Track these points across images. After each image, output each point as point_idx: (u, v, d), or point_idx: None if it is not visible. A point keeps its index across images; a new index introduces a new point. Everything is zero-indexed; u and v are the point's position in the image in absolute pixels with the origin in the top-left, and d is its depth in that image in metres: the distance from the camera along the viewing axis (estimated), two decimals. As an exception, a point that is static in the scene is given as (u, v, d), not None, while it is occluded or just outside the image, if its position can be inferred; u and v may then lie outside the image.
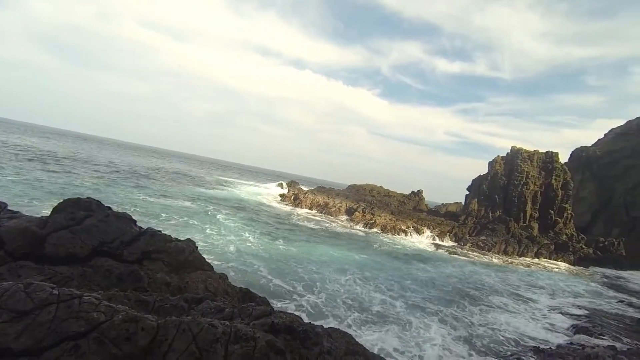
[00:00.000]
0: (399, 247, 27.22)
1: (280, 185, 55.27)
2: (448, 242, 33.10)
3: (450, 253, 28.40)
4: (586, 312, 16.35)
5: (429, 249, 28.90)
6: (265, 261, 15.27)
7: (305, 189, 46.73)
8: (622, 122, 57.99)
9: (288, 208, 36.68)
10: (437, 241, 32.48)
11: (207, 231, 18.66)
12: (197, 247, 8.44)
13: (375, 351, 8.21)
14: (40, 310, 2.83)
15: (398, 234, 31.86)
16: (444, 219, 41.03)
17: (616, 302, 19.68)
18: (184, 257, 7.73)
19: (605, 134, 58.35)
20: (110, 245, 6.86)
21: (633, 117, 56.59)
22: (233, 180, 69.67)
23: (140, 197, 25.04)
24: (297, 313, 7.79)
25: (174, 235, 8.09)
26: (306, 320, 5.77)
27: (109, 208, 7.77)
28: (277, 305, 10.13)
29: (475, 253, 30.49)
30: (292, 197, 40.31)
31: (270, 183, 68.14)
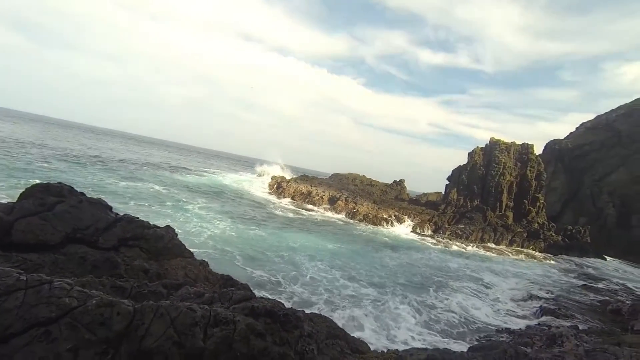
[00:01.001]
0: (379, 235, 27.74)
1: (265, 173, 54.68)
2: (428, 231, 34.03)
3: (428, 241, 29.26)
4: (552, 295, 17.36)
5: (408, 238, 29.59)
6: (242, 250, 15.23)
7: (288, 177, 46.50)
8: (592, 117, 60.80)
9: (270, 196, 36.51)
10: (418, 230, 33.32)
11: (181, 219, 18.37)
12: (176, 234, 8.29)
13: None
14: (7, 297, 2.70)
15: (380, 223, 32.44)
16: (424, 208, 42.06)
17: (579, 287, 21.00)
18: (163, 243, 7.57)
19: (576, 128, 61.01)
20: (85, 232, 6.61)
21: (602, 112, 59.42)
22: (213, 167, 68.39)
23: (110, 182, 24.22)
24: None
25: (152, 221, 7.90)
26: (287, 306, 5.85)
27: (82, 194, 7.46)
28: (257, 293, 10.19)
29: (452, 242, 31.52)
30: (275, 186, 40.09)
31: (251, 171, 67.40)
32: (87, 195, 7.63)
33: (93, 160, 34.33)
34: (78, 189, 7.69)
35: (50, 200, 6.59)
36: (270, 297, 10.50)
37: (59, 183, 7.18)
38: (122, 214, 7.57)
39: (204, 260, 7.84)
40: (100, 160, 35.46)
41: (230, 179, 46.62)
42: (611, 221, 46.84)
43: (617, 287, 22.94)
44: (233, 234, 18.03)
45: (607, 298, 17.73)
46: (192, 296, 4.09)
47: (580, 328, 11.72)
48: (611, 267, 33.76)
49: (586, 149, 53.69)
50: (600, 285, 22.41)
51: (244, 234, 18.62)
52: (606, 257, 37.60)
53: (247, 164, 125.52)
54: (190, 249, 12.34)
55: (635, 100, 56.73)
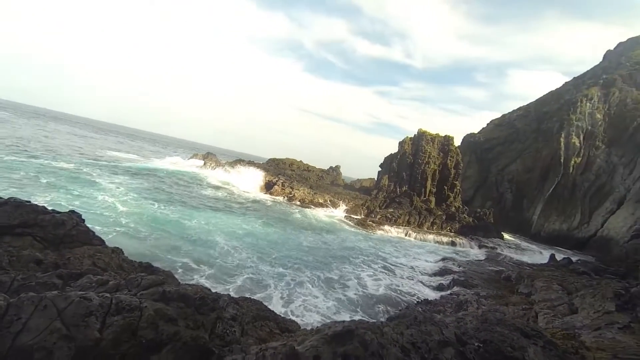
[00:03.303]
0: (311, 219, 28.40)
1: (195, 157, 51.27)
2: (360, 215, 35.91)
3: (348, 224, 30.78)
4: (462, 269, 19.89)
5: (329, 220, 30.46)
6: (165, 233, 14.31)
7: (223, 161, 44.38)
8: (499, 115, 70.23)
9: (201, 178, 34.50)
10: (351, 214, 34.93)
11: (96, 199, 16.49)
12: (83, 220, 7.27)
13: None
14: None
15: (315, 207, 33.17)
16: (358, 193, 44.23)
17: (483, 261, 24.50)
18: (64, 231, 6.58)
19: (487, 124, 69.78)
20: (-50, 219, 5.38)
21: (506, 112, 69.00)
22: (139, 148, 61.84)
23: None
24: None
25: (49, 205, 6.79)
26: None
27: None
28: (180, 279, 9.62)
29: (378, 225, 33.79)
30: (209, 169, 37.97)
31: (182, 154, 62.61)
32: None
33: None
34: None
35: None
36: (190, 282, 10.07)
37: None
38: (7, 198, 6.32)
39: (117, 248, 7.03)
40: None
41: (159, 160, 42.72)
42: (509, 204, 55.35)
43: (509, 259, 27.33)
44: (156, 215, 16.77)
45: (502, 268, 21.00)
46: (94, 285, 3.63)
47: (481, 294, 13.70)
48: (506, 243, 39.99)
49: (493, 142, 61.97)
50: (498, 259, 26.44)
51: (167, 216, 17.42)
52: (504, 234, 44.35)
53: (179, 147, 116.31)
54: (104, 233, 11.00)
55: (530, 103, 67.02)
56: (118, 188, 20.26)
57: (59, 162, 24.23)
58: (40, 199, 13.41)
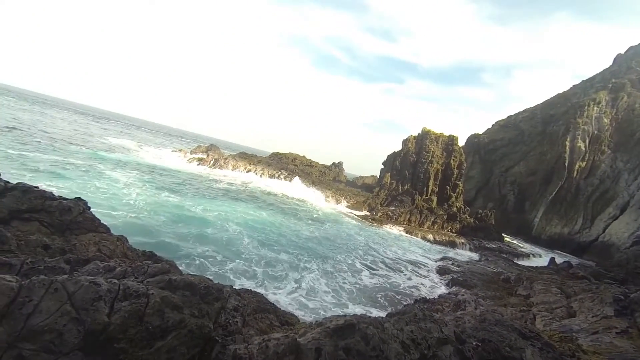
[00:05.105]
0: (314, 213, 28.51)
1: (199, 149, 51.35)
2: (362, 212, 35.99)
3: (359, 222, 30.97)
4: (461, 269, 19.95)
5: (337, 215, 30.79)
6: (172, 223, 14.38)
7: (226, 154, 44.48)
8: (505, 116, 69.68)
9: (206, 173, 34.63)
10: (352, 210, 35.01)
11: (104, 190, 16.54)
12: (89, 207, 7.35)
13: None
14: None
15: (317, 203, 33.24)
16: (360, 190, 44.24)
17: (482, 262, 24.53)
18: (71, 217, 6.66)
19: (492, 125, 69.30)
20: (-40, 202, 5.47)
21: (512, 113, 68.45)
22: (139, 139, 62.01)
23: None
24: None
25: (57, 193, 6.88)
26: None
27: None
28: (185, 270, 9.72)
29: (382, 223, 33.88)
30: (212, 162, 38.09)
31: (185, 145, 62.73)
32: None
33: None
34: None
35: None
36: (192, 272, 10.19)
37: None
38: (15, 182, 6.40)
39: (122, 236, 7.13)
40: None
41: (160, 153, 42.85)
42: (510, 206, 55.22)
43: (508, 261, 27.36)
44: (163, 203, 16.98)
45: (501, 270, 21.04)
46: (102, 271, 3.70)
47: (479, 295, 13.75)
48: (507, 244, 40.00)
49: (498, 144, 61.65)
50: (497, 260, 26.46)
51: (174, 203, 17.68)
52: (504, 236, 44.33)
53: (181, 139, 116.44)
54: (112, 220, 11.07)
55: (536, 105, 66.44)
56: (125, 178, 20.45)
57: (64, 151, 24.39)
58: (46, 186, 13.57)
